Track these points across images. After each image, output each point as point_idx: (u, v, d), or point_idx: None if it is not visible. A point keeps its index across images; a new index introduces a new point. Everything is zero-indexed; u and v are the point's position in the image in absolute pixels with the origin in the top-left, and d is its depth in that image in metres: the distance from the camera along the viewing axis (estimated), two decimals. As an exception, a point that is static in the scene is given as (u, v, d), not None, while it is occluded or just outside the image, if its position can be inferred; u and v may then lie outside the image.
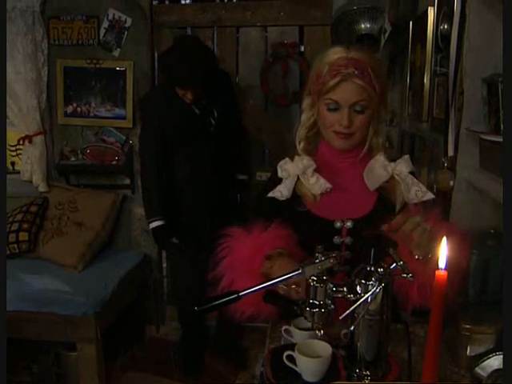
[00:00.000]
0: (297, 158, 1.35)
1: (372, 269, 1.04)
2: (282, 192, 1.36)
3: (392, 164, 1.30)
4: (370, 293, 1.02)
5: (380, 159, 1.31)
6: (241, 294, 1.16)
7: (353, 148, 1.33)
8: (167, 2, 3.30)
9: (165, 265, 3.18)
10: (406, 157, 1.33)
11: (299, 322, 1.23)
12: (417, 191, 1.28)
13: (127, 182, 2.98)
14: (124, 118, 2.95)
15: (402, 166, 1.30)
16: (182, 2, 3.13)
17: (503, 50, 1.08)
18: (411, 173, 1.31)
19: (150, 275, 3.06)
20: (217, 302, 1.15)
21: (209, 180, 2.53)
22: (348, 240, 1.32)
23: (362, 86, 1.23)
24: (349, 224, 1.31)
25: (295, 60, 2.96)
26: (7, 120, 3.08)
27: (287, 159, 1.37)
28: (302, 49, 2.99)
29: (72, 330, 2.39)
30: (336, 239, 1.31)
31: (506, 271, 0.88)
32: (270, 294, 1.21)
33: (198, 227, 2.56)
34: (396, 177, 1.29)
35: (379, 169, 1.30)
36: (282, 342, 1.26)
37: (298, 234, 1.30)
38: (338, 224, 1.32)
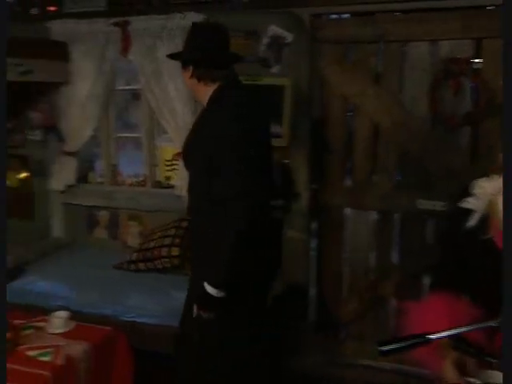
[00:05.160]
0: (495, 176, 1.42)
1: None
2: (474, 204, 1.44)
3: None
4: None
5: None
6: (430, 336, 1.25)
7: None
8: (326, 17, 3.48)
9: (312, 292, 3.34)
10: None
11: (488, 376, 1.27)
12: None
13: (280, 203, 3.20)
14: (280, 136, 3.19)
15: None
16: (343, 16, 3.29)
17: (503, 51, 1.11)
18: None
19: (295, 302, 3.24)
20: (404, 344, 1.24)
21: None
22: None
23: None
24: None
25: (469, 77, 2.95)
26: (166, 135, 3.53)
27: (485, 178, 1.45)
28: (477, 65, 2.97)
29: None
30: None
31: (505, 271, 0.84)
32: (460, 341, 1.28)
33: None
34: None
35: None
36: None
37: (470, 269, 1.35)
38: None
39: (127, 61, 3.53)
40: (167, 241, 3.26)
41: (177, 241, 3.24)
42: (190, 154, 2.12)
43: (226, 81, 2.08)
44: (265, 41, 3.21)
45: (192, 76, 2.08)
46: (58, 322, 2.14)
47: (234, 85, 2.12)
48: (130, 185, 3.80)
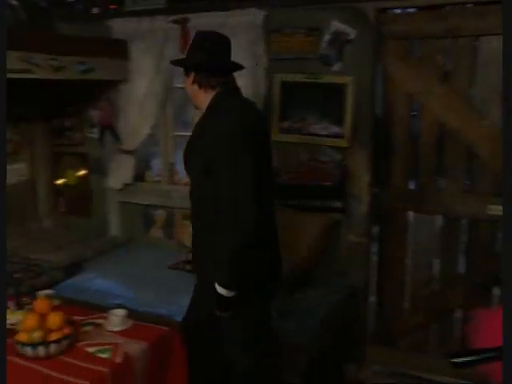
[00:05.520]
0: None
1: None
2: None
3: None
4: None
5: None
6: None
7: None
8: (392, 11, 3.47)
9: (372, 299, 3.35)
10: None
11: None
12: None
13: (339, 205, 3.24)
14: (340, 136, 3.22)
15: None
16: (410, 10, 3.27)
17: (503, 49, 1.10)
18: None
19: (354, 309, 3.26)
20: (478, 358, 1.24)
21: None
22: None
23: None
24: None
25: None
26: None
27: None
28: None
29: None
30: None
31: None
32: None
33: None
34: None
35: None
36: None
37: None
38: None
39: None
40: (223, 242, 3.35)
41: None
42: (189, 159, 2.22)
43: (225, 87, 2.18)
44: (326, 37, 3.24)
45: (193, 82, 2.19)
46: (116, 319, 2.25)
47: (233, 91, 2.22)
48: (186, 184, 3.91)
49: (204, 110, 2.22)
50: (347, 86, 3.18)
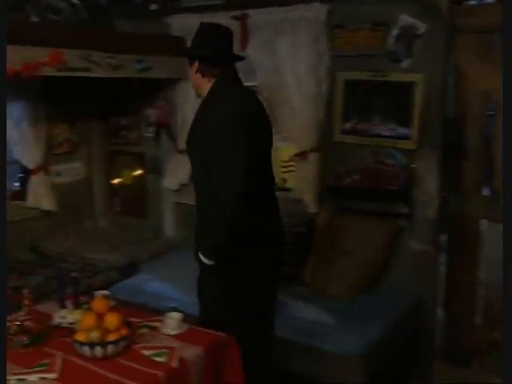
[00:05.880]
0: None
1: None
2: None
3: None
4: None
5: None
6: None
7: None
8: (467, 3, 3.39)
9: (440, 312, 3.29)
10: None
11: None
12: None
13: (404, 210, 3.19)
14: (407, 138, 3.17)
15: None
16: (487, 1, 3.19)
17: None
18: None
19: (421, 322, 3.20)
20: None
21: None
22: None
23: None
24: None
25: None
26: (282, 135, 3.65)
27: None
28: None
29: (334, 370, 2.68)
30: None
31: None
32: None
33: None
34: None
35: None
36: None
37: None
38: None
39: (244, 55, 3.69)
40: (282, 247, 3.36)
41: (293, 248, 3.33)
42: (188, 144, 2.46)
43: (225, 76, 2.40)
44: (394, 32, 3.20)
45: (197, 71, 2.41)
46: (172, 323, 2.30)
47: (233, 79, 2.43)
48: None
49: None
50: (416, 84, 3.14)
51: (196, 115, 2.46)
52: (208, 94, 2.40)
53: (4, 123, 2.00)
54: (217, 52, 2.38)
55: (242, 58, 2.54)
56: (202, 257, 2.41)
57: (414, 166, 3.18)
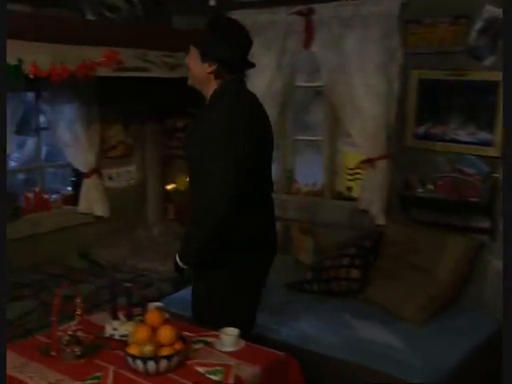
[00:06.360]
0: None
1: None
2: None
3: None
4: None
5: None
6: None
7: None
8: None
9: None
10: None
11: None
12: None
13: (486, 225, 3.07)
14: (490, 144, 3.05)
15: None
16: None
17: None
18: None
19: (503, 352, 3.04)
20: None
21: None
22: None
23: None
24: None
25: None
26: (349, 139, 3.59)
27: None
28: None
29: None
30: None
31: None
32: None
33: None
34: None
35: None
36: None
37: None
38: None
39: (308, 54, 3.66)
40: (345, 261, 3.29)
41: (357, 262, 3.25)
42: (187, 146, 2.51)
43: (236, 80, 2.41)
44: (478, 26, 3.08)
45: (211, 72, 2.38)
46: (229, 339, 2.27)
47: (238, 83, 2.43)
48: (306, 194, 3.92)
49: (208, 97, 2.45)
50: (501, 84, 3.01)
51: (197, 118, 2.53)
52: (214, 97, 2.41)
53: (4, 123, 1.99)
54: (242, 58, 2.41)
55: (253, 65, 2.54)
56: (177, 259, 2.45)
57: (497, 175, 3.04)
